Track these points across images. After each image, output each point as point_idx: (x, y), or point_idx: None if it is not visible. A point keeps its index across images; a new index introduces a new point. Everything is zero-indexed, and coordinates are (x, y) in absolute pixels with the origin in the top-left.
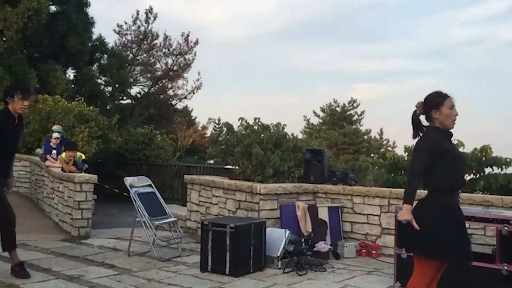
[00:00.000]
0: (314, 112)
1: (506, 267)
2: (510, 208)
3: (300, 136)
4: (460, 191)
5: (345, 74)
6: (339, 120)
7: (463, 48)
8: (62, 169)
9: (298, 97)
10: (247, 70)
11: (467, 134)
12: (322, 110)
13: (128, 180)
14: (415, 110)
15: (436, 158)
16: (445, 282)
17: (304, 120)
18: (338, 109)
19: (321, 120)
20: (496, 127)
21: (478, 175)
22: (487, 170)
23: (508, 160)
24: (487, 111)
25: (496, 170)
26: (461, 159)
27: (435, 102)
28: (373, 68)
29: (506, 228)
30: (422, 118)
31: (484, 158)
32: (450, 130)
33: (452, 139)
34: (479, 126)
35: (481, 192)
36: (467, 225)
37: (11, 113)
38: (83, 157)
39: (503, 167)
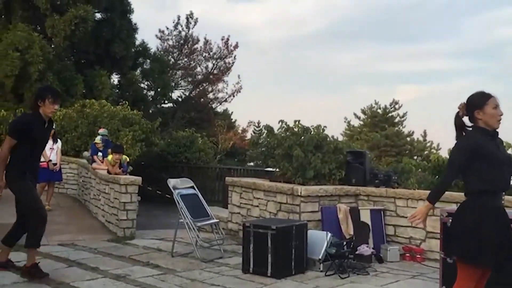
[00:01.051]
0: (355, 114)
1: None
2: None
3: (340, 138)
4: (504, 194)
5: (386, 75)
6: (381, 122)
7: (509, 47)
8: (108, 171)
9: (339, 99)
10: (287, 72)
11: None
12: (363, 112)
13: (172, 182)
14: (458, 112)
15: (477, 159)
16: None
17: (345, 122)
18: (379, 110)
19: (362, 122)
20: None
21: None
22: None
23: None
24: None
25: None
26: (505, 160)
27: (478, 102)
28: (415, 68)
29: None
30: (466, 119)
31: None
32: (496, 130)
33: (496, 139)
34: None
35: None
36: None
37: (42, 116)
38: (128, 159)
39: None
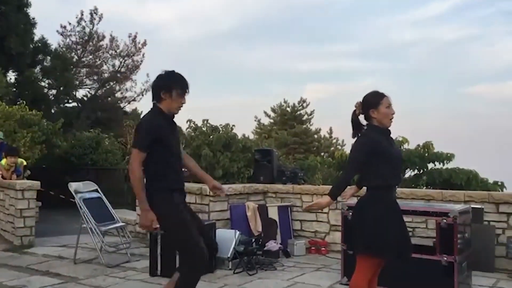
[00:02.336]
0: (265, 112)
1: (445, 258)
2: (450, 201)
3: (251, 136)
4: (396, 187)
5: (295, 74)
6: (290, 120)
7: (406, 49)
8: (2, 176)
9: (249, 97)
10: (198, 71)
11: (411, 132)
12: (273, 110)
13: (73, 186)
14: (354, 110)
15: (374, 157)
16: (388, 275)
17: (255, 120)
18: (288, 109)
19: (272, 120)
20: (436, 124)
21: (421, 171)
22: (430, 165)
23: (449, 155)
24: (428, 109)
25: (438, 165)
26: (398, 157)
27: (373, 102)
28: (322, 68)
29: (445, 220)
30: (362, 117)
31: (426, 154)
32: (388, 128)
33: (389, 136)
34: (421, 123)
35: (424, 187)
36: (409, 219)
37: (165, 113)
38: (25, 163)
39: (445, 162)
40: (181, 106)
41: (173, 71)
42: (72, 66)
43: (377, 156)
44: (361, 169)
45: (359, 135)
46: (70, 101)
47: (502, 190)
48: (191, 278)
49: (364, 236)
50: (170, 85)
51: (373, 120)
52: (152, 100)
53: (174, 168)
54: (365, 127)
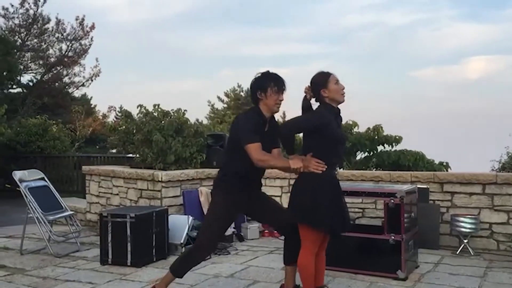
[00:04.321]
0: (218, 97)
1: (393, 237)
2: (398, 182)
3: (205, 121)
4: (337, 166)
5: (249, 58)
6: (244, 104)
7: (358, 33)
8: None
9: (202, 82)
10: (149, 55)
11: (361, 115)
12: (226, 95)
13: (17, 175)
14: (305, 96)
15: (320, 132)
16: (338, 254)
17: (209, 105)
18: (242, 93)
19: (225, 105)
20: (386, 107)
21: (371, 153)
22: (380, 148)
23: (397, 137)
24: (378, 92)
25: (387, 147)
26: (342, 139)
27: (321, 81)
28: (276, 52)
29: (393, 201)
30: (313, 101)
31: (376, 137)
32: (338, 107)
33: (339, 117)
34: (371, 106)
35: (374, 169)
36: (359, 200)
37: (262, 114)
38: None
39: (394, 144)
40: (279, 104)
41: (267, 71)
42: (15, 50)
43: (322, 134)
44: (304, 141)
45: (313, 111)
46: (14, 86)
47: (446, 170)
48: (194, 255)
49: (305, 209)
50: (265, 84)
51: (325, 99)
52: (252, 103)
53: (250, 170)
54: (317, 107)
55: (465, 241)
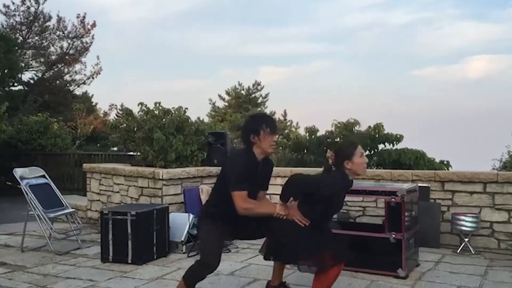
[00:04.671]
0: (219, 96)
1: (393, 236)
2: (399, 180)
3: (206, 119)
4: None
5: (250, 57)
6: (244, 102)
7: (359, 32)
8: None
9: (203, 80)
10: (150, 53)
11: (362, 113)
12: (227, 93)
13: (18, 172)
14: (328, 159)
15: (319, 198)
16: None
17: (210, 103)
18: (243, 92)
19: (226, 103)
20: (387, 106)
21: (372, 152)
22: (380, 146)
23: (398, 136)
24: (380, 91)
25: (388, 146)
26: (336, 208)
27: (347, 153)
28: (277, 51)
29: (393, 199)
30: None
31: (377, 136)
32: (352, 180)
33: (349, 188)
34: (372, 105)
35: (375, 167)
36: (360, 198)
37: (255, 156)
38: None
39: (394, 143)
40: (274, 145)
41: (258, 113)
42: (16, 48)
43: (324, 199)
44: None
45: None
46: (15, 84)
47: (447, 169)
48: (197, 270)
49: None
50: (257, 127)
51: (346, 170)
52: (244, 145)
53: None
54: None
55: (466, 239)
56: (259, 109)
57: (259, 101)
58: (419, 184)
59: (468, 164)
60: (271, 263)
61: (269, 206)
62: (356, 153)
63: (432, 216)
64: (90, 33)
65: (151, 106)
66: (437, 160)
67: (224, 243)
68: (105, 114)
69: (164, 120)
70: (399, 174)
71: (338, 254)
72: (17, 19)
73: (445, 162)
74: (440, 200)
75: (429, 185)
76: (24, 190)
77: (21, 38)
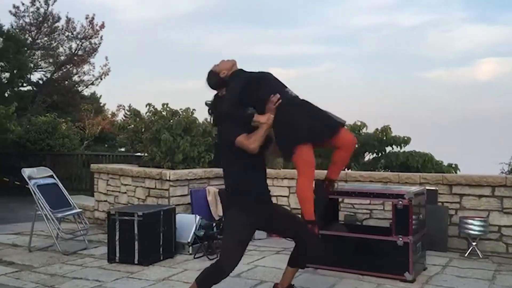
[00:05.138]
0: None
1: (401, 239)
2: (406, 183)
3: None
4: None
5: (256, 58)
6: None
7: (367, 33)
8: None
9: None
10: (158, 54)
11: (369, 115)
12: None
13: (26, 172)
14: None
15: None
16: (346, 256)
17: None
18: None
19: None
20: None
21: (380, 154)
22: (388, 149)
23: (406, 138)
24: (387, 93)
25: (396, 148)
26: None
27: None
28: (284, 52)
29: (401, 202)
30: None
31: (384, 138)
32: None
33: None
34: (379, 107)
35: (382, 170)
36: (367, 201)
37: None
38: None
39: (402, 145)
40: None
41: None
42: (26, 48)
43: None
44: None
45: None
46: (24, 84)
47: (456, 172)
48: (213, 273)
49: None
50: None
51: None
52: None
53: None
54: None
55: (474, 243)
56: None
57: None
58: (427, 187)
59: (476, 167)
60: (278, 265)
61: (257, 131)
62: None
63: (439, 220)
64: (98, 34)
65: (159, 107)
66: (445, 163)
67: (248, 243)
68: (113, 114)
69: (171, 121)
70: (407, 176)
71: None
72: (27, 20)
73: (453, 165)
74: (448, 203)
75: (437, 188)
76: (32, 190)
77: (30, 39)
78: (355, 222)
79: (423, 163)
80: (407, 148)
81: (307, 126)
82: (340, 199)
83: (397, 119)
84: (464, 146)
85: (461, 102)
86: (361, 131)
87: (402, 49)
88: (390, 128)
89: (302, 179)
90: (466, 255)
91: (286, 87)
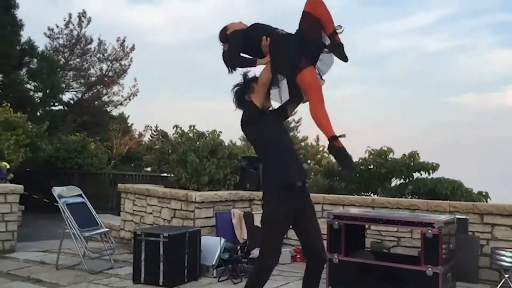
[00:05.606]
0: None
1: (430, 269)
2: (435, 211)
3: (239, 143)
4: None
5: None
6: None
7: (394, 57)
8: None
9: None
10: (186, 76)
11: (396, 141)
12: None
13: (57, 191)
14: None
15: None
16: (373, 285)
17: None
18: None
19: None
20: (422, 133)
21: (407, 180)
22: (416, 175)
23: (434, 165)
24: (414, 118)
25: (424, 175)
26: None
27: None
28: None
29: (430, 231)
30: None
31: (412, 164)
32: None
33: None
34: (407, 132)
35: (410, 196)
36: (395, 228)
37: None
38: (8, 166)
39: (430, 171)
40: None
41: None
42: (59, 69)
43: None
44: None
45: None
46: (56, 104)
47: (486, 201)
48: (259, 274)
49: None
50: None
51: None
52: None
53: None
54: None
55: (506, 275)
56: (291, 133)
57: (292, 125)
58: (457, 216)
59: (507, 196)
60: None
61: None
62: None
63: (470, 250)
64: (128, 56)
65: (186, 129)
66: (475, 191)
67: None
68: (140, 135)
69: (198, 143)
70: (436, 204)
71: None
72: (61, 41)
73: (483, 193)
74: (479, 233)
75: (468, 217)
76: (62, 208)
77: (63, 60)
78: (382, 250)
79: (452, 190)
80: (435, 175)
81: (300, 54)
82: (367, 226)
83: (425, 145)
84: (494, 173)
85: (491, 128)
86: (387, 157)
87: (430, 74)
88: (417, 154)
89: (312, 105)
90: (498, 287)
91: (277, 28)
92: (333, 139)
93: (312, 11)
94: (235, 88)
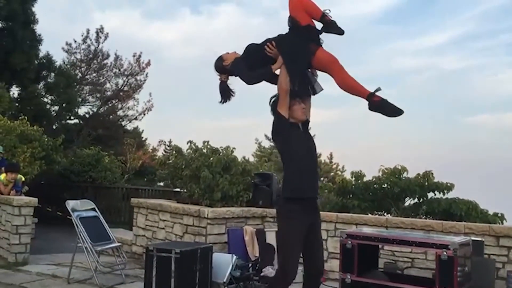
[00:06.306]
0: (266, 136)
1: None
2: (450, 232)
3: (252, 159)
4: None
5: None
6: None
7: (410, 76)
8: (0, 192)
9: (251, 119)
10: (200, 91)
11: (410, 160)
12: None
13: (70, 204)
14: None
15: None
16: None
17: (256, 143)
18: None
19: (272, 144)
20: (436, 153)
21: (421, 200)
22: (430, 194)
23: (449, 185)
24: (429, 137)
25: (438, 195)
26: None
27: None
28: (327, 93)
29: (445, 253)
30: None
31: (426, 183)
32: None
33: None
34: (421, 152)
35: (424, 217)
36: (409, 249)
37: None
38: (23, 179)
39: (445, 192)
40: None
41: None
42: (75, 83)
43: None
44: None
45: None
46: (72, 117)
47: (502, 222)
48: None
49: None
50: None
51: None
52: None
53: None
54: None
55: None
56: None
57: None
58: (473, 238)
59: None
60: None
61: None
62: None
63: (486, 273)
64: (144, 71)
65: (199, 144)
66: (490, 212)
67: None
68: (154, 149)
69: (211, 159)
70: (451, 225)
71: None
72: (78, 56)
73: (499, 215)
74: (495, 256)
75: (483, 240)
76: (75, 222)
77: (80, 74)
78: (396, 271)
79: (467, 211)
80: (450, 195)
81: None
82: (380, 246)
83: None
84: (510, 195)
85: (507, 148)
86: (401, 176)
87: (446, 93)
88: (432, 174)
89: (338, 76)
90: None
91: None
92: (371, 96)
93: (297, 14)
94: (273, 99)
